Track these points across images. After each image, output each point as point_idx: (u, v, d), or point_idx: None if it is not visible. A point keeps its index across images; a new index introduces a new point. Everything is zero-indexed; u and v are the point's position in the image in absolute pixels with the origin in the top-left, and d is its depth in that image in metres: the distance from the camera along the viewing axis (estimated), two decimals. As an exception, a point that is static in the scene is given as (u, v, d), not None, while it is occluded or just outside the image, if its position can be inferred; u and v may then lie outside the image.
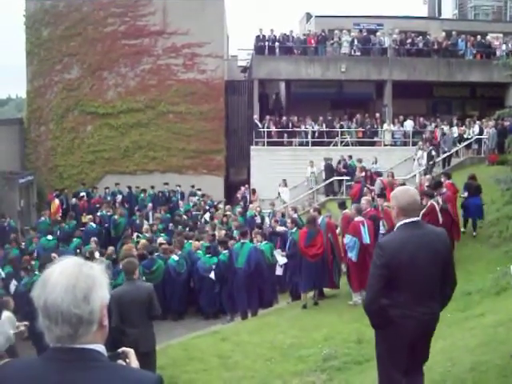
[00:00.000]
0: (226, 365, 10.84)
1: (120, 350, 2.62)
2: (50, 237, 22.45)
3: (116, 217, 25.78)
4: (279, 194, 29.66)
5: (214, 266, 17.26)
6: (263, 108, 35.12)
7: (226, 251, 16.79)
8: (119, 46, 34.50)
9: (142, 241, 19.90)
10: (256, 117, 33.23)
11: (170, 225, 25.00)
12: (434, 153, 29.06)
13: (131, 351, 2.65)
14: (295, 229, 16.59)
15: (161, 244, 19.49)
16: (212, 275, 17.24)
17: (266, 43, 35.13)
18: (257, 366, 10.56)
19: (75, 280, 2.35)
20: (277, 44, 35.27)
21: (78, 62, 34.71)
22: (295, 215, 19.83)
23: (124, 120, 34.24)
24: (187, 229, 22.71)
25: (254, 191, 30.11)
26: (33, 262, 18.44)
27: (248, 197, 30.02)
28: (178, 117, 34.15)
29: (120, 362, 2.53)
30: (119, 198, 30.58)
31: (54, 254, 17.59)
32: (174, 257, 18.29)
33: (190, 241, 19.76)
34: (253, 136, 33.13)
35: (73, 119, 34.74)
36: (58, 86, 34.79)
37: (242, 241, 16.29)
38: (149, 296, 9.07)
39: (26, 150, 34.93)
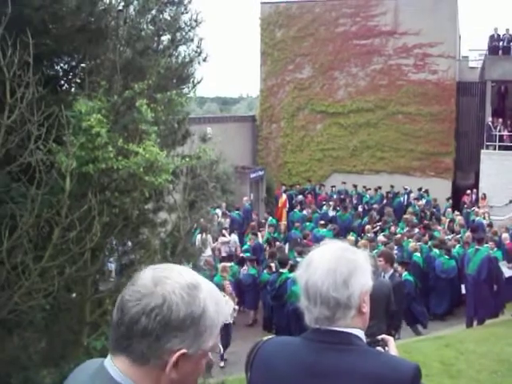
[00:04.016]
0: (449, 372, 10.73)
1: (380, 337, 2.63)
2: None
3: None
4: (510, 201, 28.36)
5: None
6: (496, 110, 33.72)
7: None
8: (350, 46, 34.79)
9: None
10: (490, 119, 31.92)
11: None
12: None
13: (391, 339, 2.64)
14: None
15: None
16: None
17: (501, 43, 33.63)
18: (481, 377, 10.34)
19: (336, 264, 2.40)
20: (512, 44, 33.65)
21: (309, 62, 35.53)
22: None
23: (353, 119, 34.49)
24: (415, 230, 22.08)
25: (484, 196, 29.01)
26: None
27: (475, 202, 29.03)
28: (407, 117, 33.73)
29: (379, 348, 2.54)
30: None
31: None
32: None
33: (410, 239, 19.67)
34: (483, 139, 31.92)
35: (303, 118, 35.69)
36: (289, 86, 35.90)
37: (476, 247, 16.01)
38: (389, 291, 9.21)
39: (257, 146, 36.48)
